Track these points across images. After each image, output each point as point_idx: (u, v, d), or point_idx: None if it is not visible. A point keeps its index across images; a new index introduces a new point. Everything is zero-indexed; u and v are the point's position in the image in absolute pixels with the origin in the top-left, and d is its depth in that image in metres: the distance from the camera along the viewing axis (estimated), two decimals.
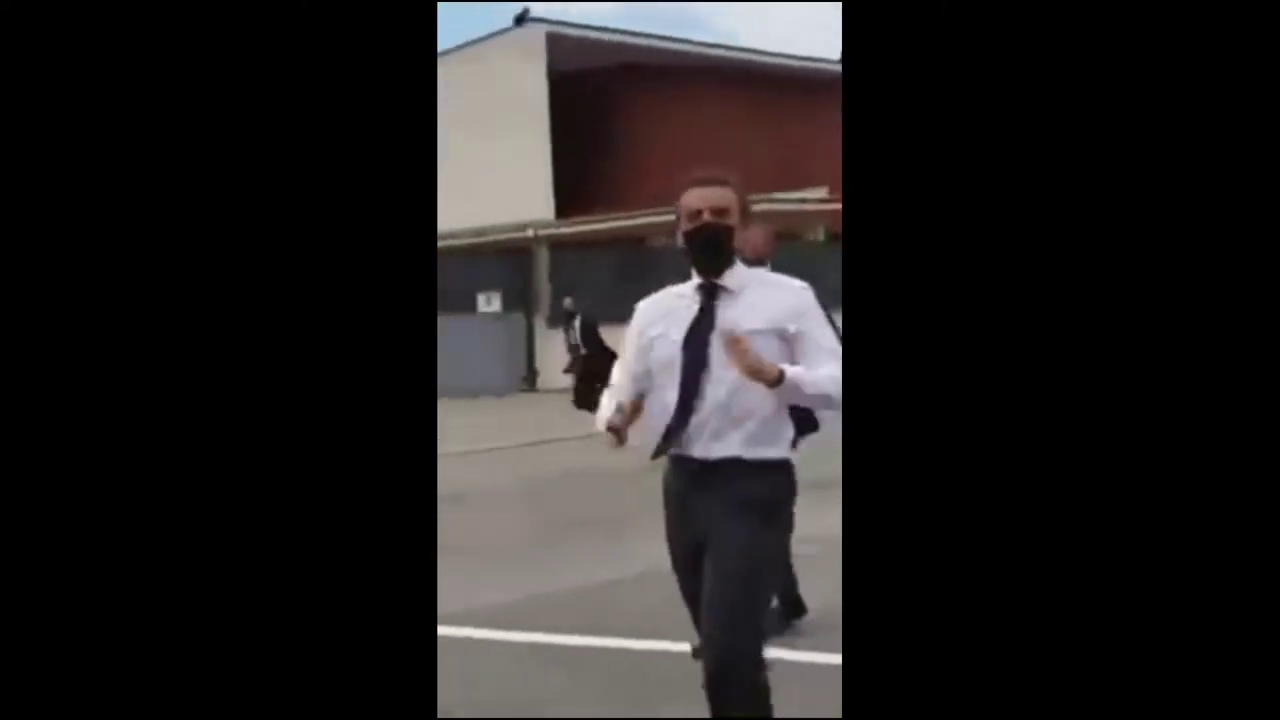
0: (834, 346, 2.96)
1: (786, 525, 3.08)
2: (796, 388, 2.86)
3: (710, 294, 3.02)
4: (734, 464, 2.91)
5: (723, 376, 2.91)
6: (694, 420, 2.94)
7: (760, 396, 2.89)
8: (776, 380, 2.82)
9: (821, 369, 2.90)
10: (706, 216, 2.95)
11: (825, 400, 2.90)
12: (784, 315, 2.94)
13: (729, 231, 2.95)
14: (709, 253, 3.01)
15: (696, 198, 2.96)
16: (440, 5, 1.69)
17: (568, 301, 15.72)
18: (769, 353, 2.86)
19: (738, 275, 3.01)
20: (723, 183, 2.99)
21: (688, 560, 3.03)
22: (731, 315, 2.93)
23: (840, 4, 1.60)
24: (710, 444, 2.96)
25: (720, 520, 2.92)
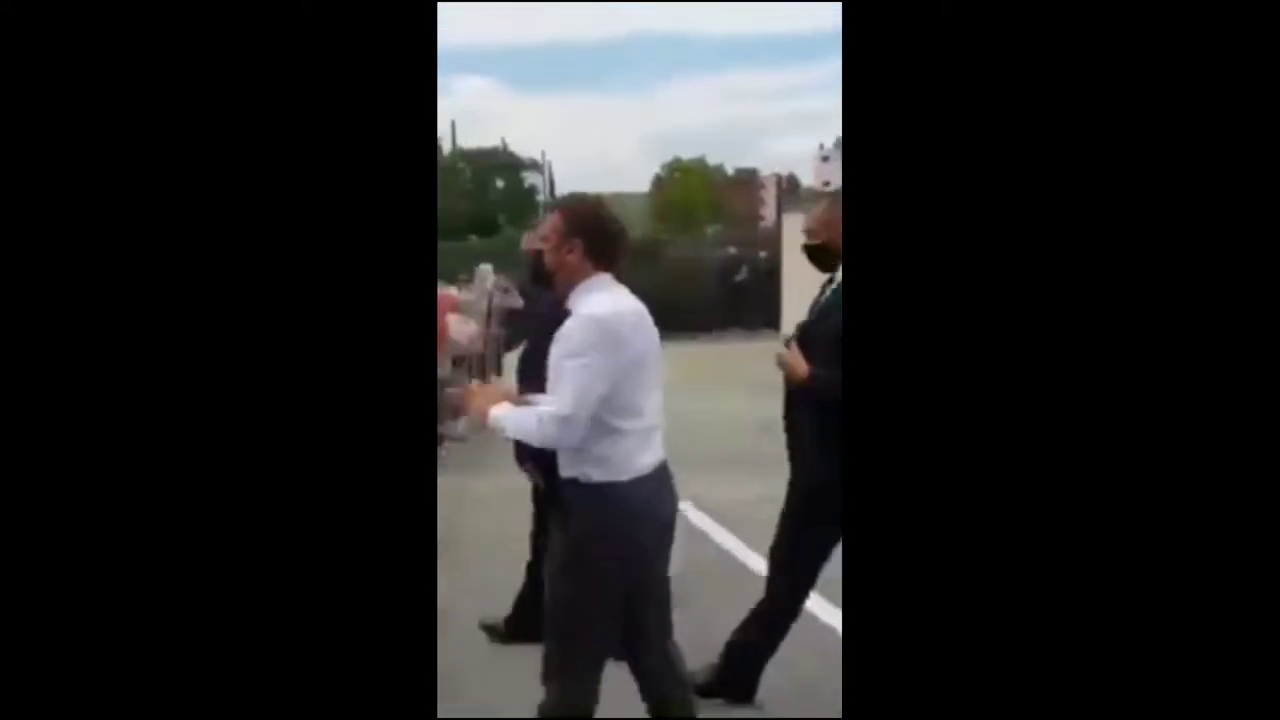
0: (557, 387, 2.86)
1: (591, 569, 2.90)
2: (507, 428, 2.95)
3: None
4: (565, 486, 2.93)
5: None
6: None
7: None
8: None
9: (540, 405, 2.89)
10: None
11: (529, 437, 2.90)
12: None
13: (538, 256, 3.10)
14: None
15: None
16: (440, 5, 1.68)
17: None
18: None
19: (575, 298, 3.01)
20: (556, 210, 3.12)
21: None
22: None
23: (840, 4, 1.65)
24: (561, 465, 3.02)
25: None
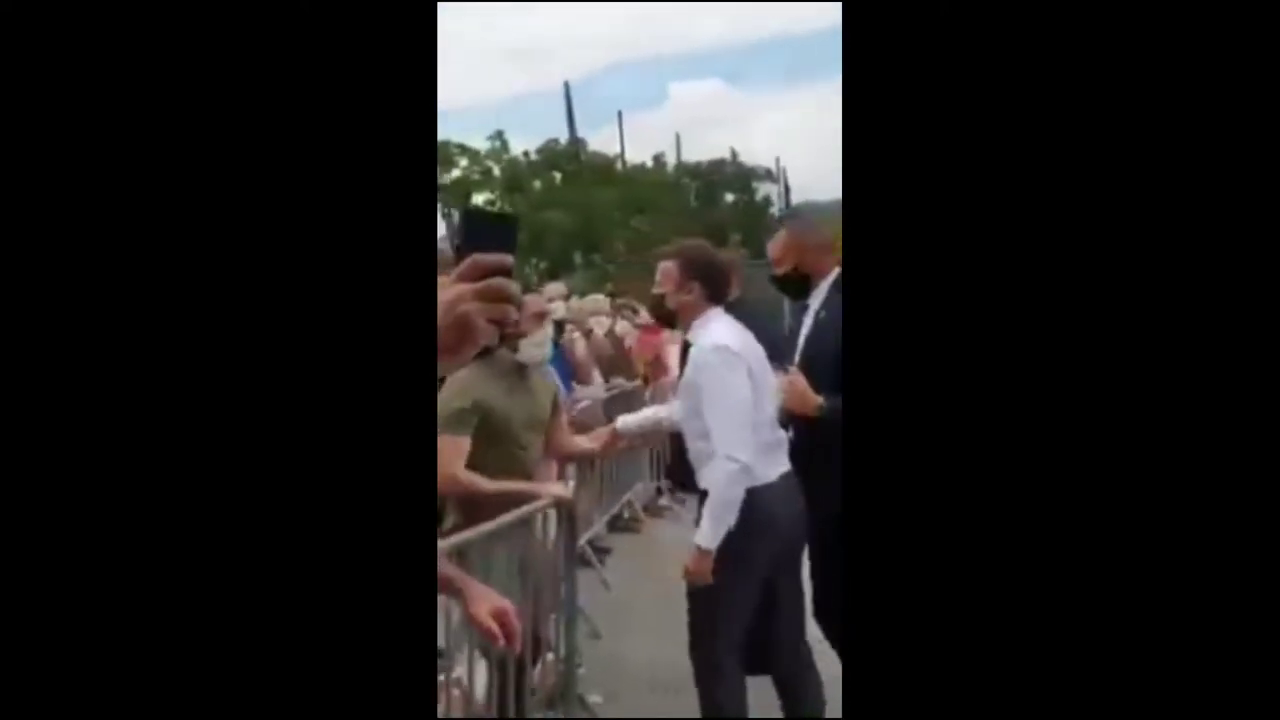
0: (712, 416, 3.39)
1: (726, 569, 3.28)
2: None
3: None
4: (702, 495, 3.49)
5: None
6: None
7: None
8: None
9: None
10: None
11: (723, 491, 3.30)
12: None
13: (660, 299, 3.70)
14: None
15: None
16: (440, 5, 1.68)
17: None
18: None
19: (695, 331, 3.58)
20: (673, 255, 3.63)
21: None
22: None
23: (840, 4, 1.60)
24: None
25: None
